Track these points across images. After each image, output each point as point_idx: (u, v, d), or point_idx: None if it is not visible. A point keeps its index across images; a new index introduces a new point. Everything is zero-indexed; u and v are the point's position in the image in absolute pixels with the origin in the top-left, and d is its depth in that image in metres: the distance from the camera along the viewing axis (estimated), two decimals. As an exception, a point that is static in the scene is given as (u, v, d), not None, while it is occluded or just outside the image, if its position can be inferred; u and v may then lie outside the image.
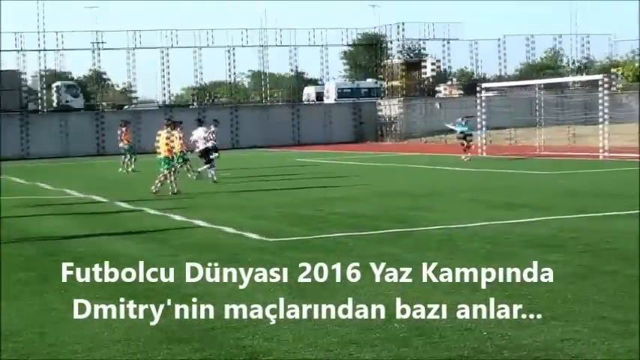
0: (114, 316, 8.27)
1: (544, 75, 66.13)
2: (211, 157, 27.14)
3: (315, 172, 30.79)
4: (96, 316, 8.28)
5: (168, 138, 23.32)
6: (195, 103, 66.32)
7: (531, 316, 7.66)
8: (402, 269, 10.28)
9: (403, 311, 8.04)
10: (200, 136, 27.74)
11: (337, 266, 10.68)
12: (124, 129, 35.61)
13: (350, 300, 8.64)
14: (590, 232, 12.95)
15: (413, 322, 7.63)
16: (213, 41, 63.22)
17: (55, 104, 64.52)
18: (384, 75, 68.00)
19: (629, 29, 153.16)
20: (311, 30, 65.86)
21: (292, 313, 8.13)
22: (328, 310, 8.21)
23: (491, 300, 8.37)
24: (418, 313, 7.93)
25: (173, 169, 23.27)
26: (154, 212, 18.24)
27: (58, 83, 65.30)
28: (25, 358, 6.99)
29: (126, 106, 66.31)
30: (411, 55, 69.69)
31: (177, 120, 25.32)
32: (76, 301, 8.90)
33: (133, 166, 34.02)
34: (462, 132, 36.33)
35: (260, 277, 10.14)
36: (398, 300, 8.53)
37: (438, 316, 7.77)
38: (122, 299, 9.05)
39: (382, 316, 7.88)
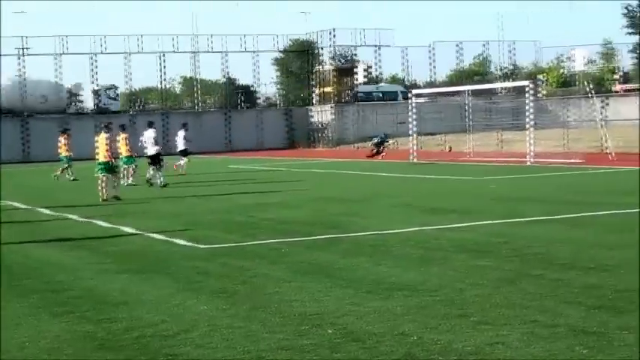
0: (42, 325, 8.19)
1: (474, 81, 67.18)
2: (161, 161, 27.53)
3: (247, 179, 30.75)
4: (23, 324, 8.20)
5: (107, 143, 23.03)
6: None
7: (462, 320, 7.81)
8: (337, 274, 10.42)
9: (338, 317, 8.13)
10: (150, 138, 28.08)
11: (270, 272, 10.77)
12: (63, 138, 34.64)
13: (283, 306, 8.71)
14: (518, 237, 13.21)
15: (347, 328, 7.69)
16: (142, 47, 62.68)
17: (93, 107, 65.12)
18: (316, 81, 68.20)
19: (554, 36, 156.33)
20: (242, 36, 65.81)
21: (224, 320, 8.15)
22: (261, 317, 8.26)
23: (424, 304, 8.52)
24: (352, 319, 8.03)
25: (112, 173, 22.94)
26: (82, 219, 18.01)
27: (97, 87, 64.74)
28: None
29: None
30: (343, 61, 70.04)
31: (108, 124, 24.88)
32: (8, 311, 8.83)
33: (74, 175, 32.84)
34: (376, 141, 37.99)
35: (191, 284, 10.16)
36: (332, 305, 8.63)
37: (372, 321, 7.88)
38: (49, 308, 8.98)
39: (315, 322, 7.95)
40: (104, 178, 22.70)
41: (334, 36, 65.78)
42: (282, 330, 7.69)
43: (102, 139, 23.15)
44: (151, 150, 27.82)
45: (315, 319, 8.08)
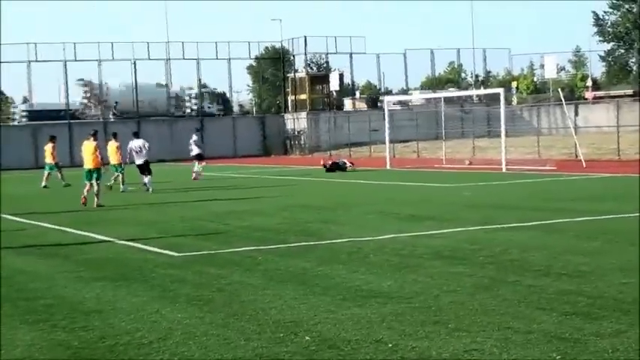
0: (15, 333, 8.12)
1: (447, 88, 67.49)
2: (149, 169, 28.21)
3: (220, 186, 30.67)
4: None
5: (95, 150, 22.84)
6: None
7: (438, 327, 7.83)
8: (312, 282, 10.41)
9: (314, 324, 8.13)
10: (136, 147, 28.83)
11: (246, 280, 10.74)
12: (52, 145, 34.24)
13: (259, 313, 8.69)
14: (493, 243, 13.27)
15: (323, 335, 7.69)
16: (113, 55, 62.42)
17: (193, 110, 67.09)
18: (290, 88, 68.21)
19: (526, 43, 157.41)
20: (214, 43, 65.65)
21: (200, 328, 8.12)
22: (237, 325, 8.24)
23: (400, 311, 8.54)
24: (329, 326, 8.02)
25: (96, 181, 22.78)
26: (56, 227, 17.89)
27: (196, 91, 66.41)
28: None
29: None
30: (316, 68, 70.13)
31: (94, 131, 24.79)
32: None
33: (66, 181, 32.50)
34: None
35: (166, 292, 10.12)
36: (308, 313, 8.62)
37: (348, 329, 7.88)
38: (22, 316, 8.90)
39: (292, 329, 7.94)
40: (89, 185, 22.65)
41: (306, 43, 65.84)
42: (259, 337, 7.68)
43: (91, 146, 22.98)
44: (140, 160, 28.56)
45: (292, 326, 8.07)
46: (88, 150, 23.01)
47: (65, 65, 61.13)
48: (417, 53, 68.25)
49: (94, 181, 22.64)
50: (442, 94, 56.06)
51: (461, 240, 13.87)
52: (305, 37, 65.76)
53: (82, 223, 18.47)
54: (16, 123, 64.12)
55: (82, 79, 65.45)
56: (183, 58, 64.97)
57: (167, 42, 65.69)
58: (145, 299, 9.71)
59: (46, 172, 33.39)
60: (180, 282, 10.79)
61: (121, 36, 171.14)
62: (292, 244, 13.97)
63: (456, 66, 79.98)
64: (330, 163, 38.63)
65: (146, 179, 28.08)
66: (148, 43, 63.77)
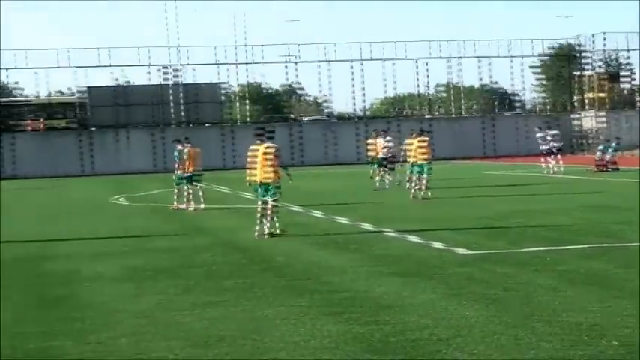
0: (315, 324, 8.52)
1: None
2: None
3: (504, 184, 30.23)
4: (297, 323, 8.57)
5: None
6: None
7: None
8: (610, 285, 9.97)
9: (612, 328, 7.80)
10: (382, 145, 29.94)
11: (535, 280, 10.52)
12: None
13: (551, 314, 8.48)
14: None
15: (623, 341, 7.36)
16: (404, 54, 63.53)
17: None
18: (579, 87, 65.77)
19: None
20: (496, 41, 64.76)
21: (491, 327, 8.06)
22: (529, 325, 8.10)
23: None
24: (629, 331, 7.67)
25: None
26: (349, 222, 18.50)
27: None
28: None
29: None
30: (607, 66, 67.09)
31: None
32: (280, 309, 9.30)
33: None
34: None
35: (454, 289, 10.16)
36: (608, 317, 8.27)
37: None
38: (322, 308, 9.32)
39: (587, 332, 7.68)
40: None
41: (604, 39, 63.06)
42: (551, 339, 7.51)
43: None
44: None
45: (588, 330, 7.81)
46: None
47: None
48: None
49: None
50: None
51: None
52: (604, 32, 63.14)
53: (374, 219, 18.93)
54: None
55: None
56: (468, 57, 64.76)
57: (448, 40, 65.87)
58: (434, 296, 9.82)
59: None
60: (469, 279, 10.79)
61: (408, 35, 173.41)
62: (586, 245, 13.49)
63: None
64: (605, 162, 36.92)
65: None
66: (429, 41, 64.27)
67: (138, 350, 7.68)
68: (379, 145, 30.53)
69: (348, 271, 11.86)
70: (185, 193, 23.65)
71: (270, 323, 8.60)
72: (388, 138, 31.30)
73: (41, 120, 61.91)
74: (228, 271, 12.26)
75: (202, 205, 23.34)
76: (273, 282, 11.15)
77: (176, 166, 24.26)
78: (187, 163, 23.69)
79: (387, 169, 30.03)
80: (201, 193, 23.71)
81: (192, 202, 23.44)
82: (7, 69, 60.25)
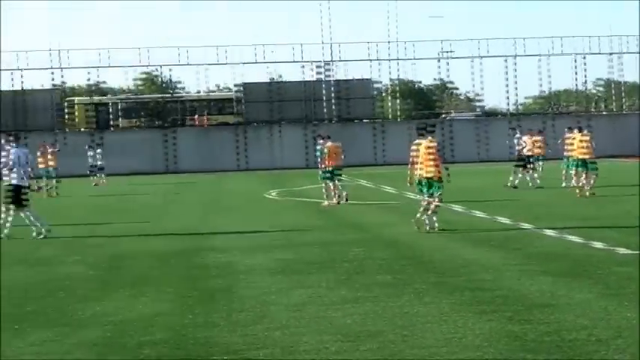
0: (466, 322, 8.41)
1: None
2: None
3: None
4: (448, 320, 8.49)
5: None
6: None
7: None
8: None
9: None
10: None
11: None
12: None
13: None
14: None
15: None
16: (560, 49, 61.88)
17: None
18: None
19: None
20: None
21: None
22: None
23: None
24: None
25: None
26: (504, 220, 18.21)
27: None
28: (389, 359, 7.30)
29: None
30: None
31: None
32: (430, 306, 9.25)
33: None
34: None
35: (612, 289, 9.81)
36: None
37: None
38: (474, 305, 9.19)
39: None
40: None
41: None
42: None
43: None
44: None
45: None
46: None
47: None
48: None
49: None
50: None
51: None
52: None
53: (531, 216, 18.53)
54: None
55: None
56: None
57: (612, 36, 63.55)
58: (591, 296, 9.53)
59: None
60: (629, 280, 10.40)
61: (565, 30, 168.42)
62: None
63: None
64: None
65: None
66: (588, 36, 62.26)
67: (291, 343, 7.82)
68: (529, 142, 29.97)
69: (501, 269, 11.66)
70: (331, 188, 24.05)
71: (421, 320, 8.57)
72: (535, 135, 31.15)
73: (205, 116, 63.89)
74: (378, 266, 12.30)
75: (344, 201, 23.65)
76: (424, 278, 11.10)
77: (319, 161, 24.90)
78: (328, 158, 24.07)
79: (531, 167, 29.35)
80: (339, 189, 24.03)
81: (337, 197, 23.79)
82: (168, 65, 62.37)
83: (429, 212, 16.32)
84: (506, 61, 62.20)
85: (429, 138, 16.54)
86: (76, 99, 66.59)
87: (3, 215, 17.60)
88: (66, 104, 64.93)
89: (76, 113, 63.94)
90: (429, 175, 16.31)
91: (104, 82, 71.16)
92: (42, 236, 17.18)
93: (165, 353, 7.61)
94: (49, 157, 33.97)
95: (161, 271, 12.58)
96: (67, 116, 63.68)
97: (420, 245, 14.57)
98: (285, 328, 8.40)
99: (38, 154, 33.29)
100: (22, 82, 60.29)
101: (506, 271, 11.55)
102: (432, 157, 16.27)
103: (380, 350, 7.49)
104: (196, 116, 64.18)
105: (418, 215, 16.37)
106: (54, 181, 33.67)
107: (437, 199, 16.34)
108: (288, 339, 7.96)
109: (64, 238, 17.42)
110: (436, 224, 16.38)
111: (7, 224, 17.49)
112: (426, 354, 7.33)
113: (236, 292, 10.59)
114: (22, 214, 17.55)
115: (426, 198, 16.39)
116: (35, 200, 19.75)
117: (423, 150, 16.38)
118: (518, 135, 30.44)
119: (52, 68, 60.40)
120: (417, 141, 16.75)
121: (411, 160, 16.68)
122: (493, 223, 17.96)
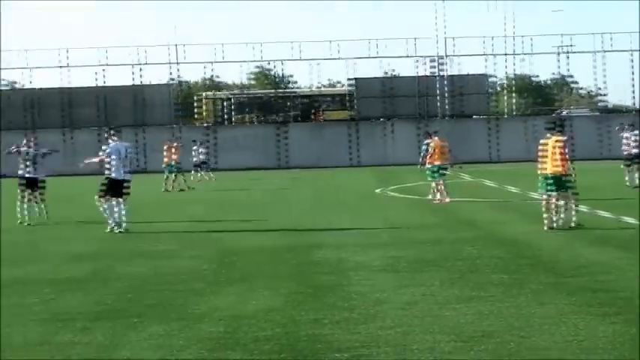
0: (585, 324, 8.08)
1: None
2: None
3: None
4: (566, 322, 8.16)
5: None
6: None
7: None
8: None
9: None
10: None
11: None
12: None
13: None
14: None
15: None
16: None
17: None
18: None
19: None
20: None
21: None
22: None
23: None
24: None
25: None
26: (629, 220, 17.54)
27: None
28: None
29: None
30: None
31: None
32: (548, 307, 8.93)
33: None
34: None
35: None
36: None
37: None
38: (594, 307, 8.82)
39: None
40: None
41: None
42: None
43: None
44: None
45: None
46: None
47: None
48: None
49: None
50: None
51: None
52: None
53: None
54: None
55: None
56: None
57: None
58: None
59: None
60: None
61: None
62: None
63: None
64: None
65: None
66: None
67: (402, 342, 7.66)
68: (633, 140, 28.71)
69: (625, 270, 11.18)
70: (434, 185, 23.78)
71: (539, 321, 8.29)
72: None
73: (321, 111, 64.23)
74: (493, 265, 11.99)
75: (447, 199, 23.25)
76: (542, 278, 10.75)
77: (422, 158, 24.72)
78: (434, 155, 23.74)
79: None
80: (442, 187, 23.64)
81: (444, 194, 23.40)
82: (282, 61, 62.91)
83: (564, 209, 16.22)
84: (631, 55, 60.20)
85: (557, 136, 16.38)
86: (204, 94, 67.97)
87: (102, 208, 17.99)
88: (195, 98, 66.55)
89: (204, 107, 65.41)
90: (555, 172, 16.11)
91: (217, 77, 72.27)
92: (118, 231, 17.57)
93: (277, 349, 7.56)
94: (173, 151, 34.65)
95: (273, 267, 12.59)
96: (195, 110, 65.02)
97: (539, 244, 14.16)
98: (397, 326, 8.24)
99: (165, 151, 34.49)
100: (140, 76, 61.93)
101: (631, 272, 11.05)
102: (559, 153, 16.09)
103: (495, 351, 7.26)
104: (313, 111, 64.60)
105: (546, 214, 16.11)
106: (181, 175, 34.51)
107: (570, 196, 16.26)
108: (400, 338, 7.81)
109: (180, 232, 17.72)
110: (574, 218, 16.26)
111: (112, 217, 17.78)
112: (545, 356, 7.05)
113: (347, 289, 10.49)
114: (115, 207, 17.78)
115: (552, 195, 16.17)
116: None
117: (550, 147, 16.22)
118: (627, 133, 29.23)
119: (169, 63, 61.79)
120: (547, 135, 16.58)
121: (539, 157, 16.52)
122: (617, 222, 17.28)
